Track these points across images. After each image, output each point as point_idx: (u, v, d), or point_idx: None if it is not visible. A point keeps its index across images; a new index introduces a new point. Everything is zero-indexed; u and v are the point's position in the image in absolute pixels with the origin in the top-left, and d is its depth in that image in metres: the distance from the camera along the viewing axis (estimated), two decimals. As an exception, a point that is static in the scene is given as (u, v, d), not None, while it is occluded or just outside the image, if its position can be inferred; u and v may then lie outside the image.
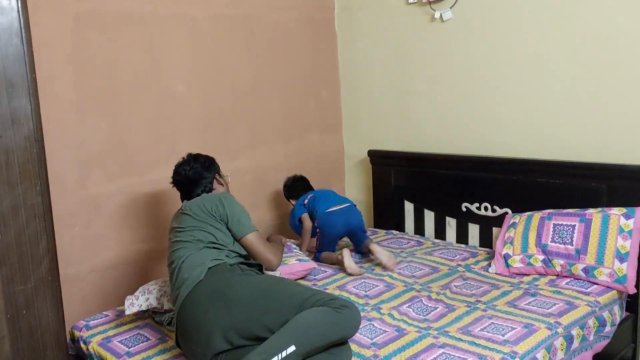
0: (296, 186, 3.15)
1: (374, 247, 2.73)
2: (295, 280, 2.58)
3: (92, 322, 2.33)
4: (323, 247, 2.87)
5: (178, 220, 2.16)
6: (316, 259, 2.85)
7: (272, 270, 2.24)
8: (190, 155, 2.35)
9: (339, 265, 2.71)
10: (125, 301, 2.23)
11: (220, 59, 3.05)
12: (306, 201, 3.01)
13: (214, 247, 2.06)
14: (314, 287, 2.30)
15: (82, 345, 2.21)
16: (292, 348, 1.63)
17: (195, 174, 2.26)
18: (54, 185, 2.20)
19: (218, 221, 2.12)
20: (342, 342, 1.80)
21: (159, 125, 2.84)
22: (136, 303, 2.22)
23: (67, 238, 2.52)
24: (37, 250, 1.93)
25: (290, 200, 3.16)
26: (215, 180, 2.32)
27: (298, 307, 1.76)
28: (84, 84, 2.56)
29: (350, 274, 2.63)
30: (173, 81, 2.88)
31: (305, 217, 2.99)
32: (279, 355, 1.62)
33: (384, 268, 2.68)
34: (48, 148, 2.01)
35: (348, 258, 2.64)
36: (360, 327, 2.07)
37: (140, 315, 2.35)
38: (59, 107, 2.49)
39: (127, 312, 2.21)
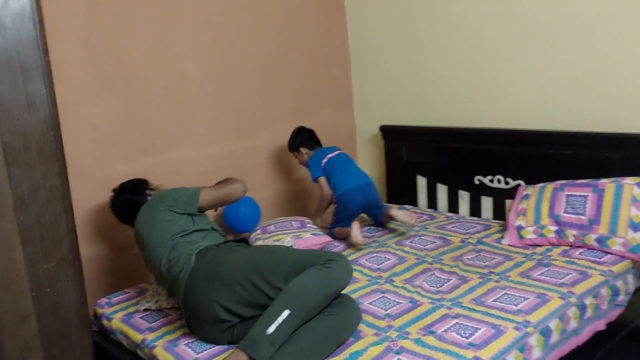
0: (303, 135, 3.07)
1: (393, 212, 2.79)
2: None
3: (113, 299, 2.39)
4: (338, 223, 2.89)
5: (138, 243, 2.20)
6: (330, 234, 2.88)
7: (243, 194, 2.30)
8: (115, 190, 2.39)
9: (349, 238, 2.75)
10: (138, 304, 2.30)
11: (230, 38, 3.06)
12: (324, 161, 2.94)
13: (182, 237, 2.09)
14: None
15: (105, 322, 2.28)
16: (286, 312, 1.69)
17: (128, 204, 2.32)
18: (72, 166, 2.24)
19: (168, 213, 2.13)
20: (350, 305, 1.86)
21: (173, 106, 2.87)
22: (146, 305, 2.27)
23: (86, 218, 2.57)
24: (58, 230, 1.98)
25: (298, 151, 3.04)
26: (148, 197, 2.34)
27: (290, 270, 1.81)
28: (97, 66, 2.59)
29: (353, 244, 2.66)
30: (185, 61, 2.89)
31: (324, 181, 2.92)
32: (276, 322, 1.68)
33: (409, 226, 2.78)
34: (64, 130, 2.05)
35: (356, 229, 2.66)
36: (374, 299, 2.12)
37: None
38: (74, 90, 2.52)
39: (141, 308, 2.27)
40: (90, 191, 2.59)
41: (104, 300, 2.39)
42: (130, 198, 2.33)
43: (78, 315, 2.07)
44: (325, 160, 2.96)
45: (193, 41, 2.91)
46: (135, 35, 2.70)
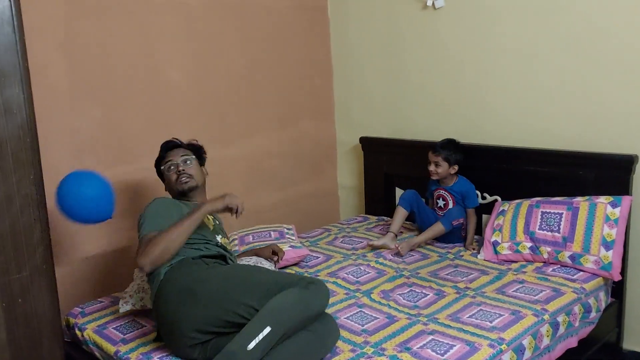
0: (461, 154, 2.87)
1: (374, 243, 2.85)
2: (287, 267, 2.63)
3: (87, 308, 2.35)
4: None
5: None
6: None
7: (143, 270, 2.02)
8: None
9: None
10: (120, 300, 2.25)
11: (213, 46, 3.05)
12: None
13: None
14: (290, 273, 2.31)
15: (78, 332, 2.24)
16: (267, 329, 1.68)
17: None
18: (48, 173, 2.20)
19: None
20: (327, 323, 1.87)
21: (153, 113, 2.84)
22: (130, 302, 2.23)
23: (60, 226, 2.53)
24: (32, 239, 1.95)
25: (453, 164, 2.83)
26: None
27: (267, 292, 1.79)
28: (76, 72, 2.56)
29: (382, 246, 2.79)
30: (167, 68, 2.87)
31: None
32: (257, 338, 1.67)
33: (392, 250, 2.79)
34: (41, 137, 2.01)
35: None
36: (351, 313, 2.13)
37: (135, 301, 2.38)
38: (52, 96, 2.48)
39: (122, 311, 2.23)
40: (66, 198, 2.54)
41: (77, 309, 2.34)
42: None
43: (50, 325, 2.03)
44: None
45: (175, 48, 2.90)
46: (117, 42, 2.67)
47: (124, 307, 2.22)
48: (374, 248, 2.80)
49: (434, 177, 2.89)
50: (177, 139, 2.39)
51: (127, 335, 2.11)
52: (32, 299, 1.96)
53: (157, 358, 1.91)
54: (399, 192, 3.39)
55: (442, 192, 2.92)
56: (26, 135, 1.92)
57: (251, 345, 1.66)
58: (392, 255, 2.71)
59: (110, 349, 2.05)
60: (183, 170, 2.24)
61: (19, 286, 1.93)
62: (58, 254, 2.44)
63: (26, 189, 1.92)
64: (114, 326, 2.19)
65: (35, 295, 1.97)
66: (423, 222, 2.95)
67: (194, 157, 2.31)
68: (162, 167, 2.31)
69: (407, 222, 3.07)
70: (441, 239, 2.87)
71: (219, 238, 2.22)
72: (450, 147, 2.85)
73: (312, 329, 1.81)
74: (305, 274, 2.53)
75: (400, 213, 2.91)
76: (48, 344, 2.02)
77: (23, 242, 1.93)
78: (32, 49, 2.07)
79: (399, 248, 2.70)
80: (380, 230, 3.12)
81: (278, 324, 1.71)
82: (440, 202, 2.93)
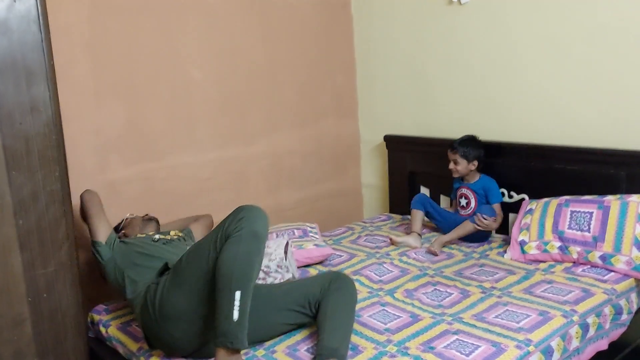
0: (482, 151, 2.85)
1: (395, 239, 2.86)
2: (310, 265, 2.62)
3: (111, 306, 2.37)
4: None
5: None
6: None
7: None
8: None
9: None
10: None
11: (235, 44, 3.05)
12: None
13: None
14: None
15: (102, 329, 2.25)
16: (237, 294, 1.67)
17: None
18: (73, 171, 2.24)
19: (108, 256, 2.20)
20: (343, 277, 2.00)
21: (176, 111, 2.86)
22: None
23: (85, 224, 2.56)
24: (57, 235, 1.97)
25: (472, 160, 2.82)
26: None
27: (211, 259, 1.77)
28: (101, 71, 2.59)
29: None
30: (189, 67, 2.89)
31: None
32: (235, 307, 1.66)
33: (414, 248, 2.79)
34: (67, 134, 2.04)
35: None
36: (374, 312, 2.10)
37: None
38: (77, 94, 2.52)
39: None
40: (91, 195, 2.57)
41: (101, 307, 2.37)
42: None
43: (74, 321, 2.05)
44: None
45: (198, 47, 2.91)
46: (140, 40, 2.70)
47: None
48: (395, 244, 2.79)
49: (455, 175, 2.89)
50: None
51: (150, 331, 2.11)
52: (57, 294, 1.98)
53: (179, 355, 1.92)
54: (423, 190, 3.35)
55: (464, 190, 2.90)
56: (52, 133, 1.94)
57: (235, 316, 1.66)
58: (425, 254, 2.69)
59: (133, 346, 2.06)
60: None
61: (44, 281, 1.95)
62: (83, 251, 2.46)
63: (52, 185, 1.94)
64: (137, 324, 2.20)
65: (60, 290, 1.99)
66: (443, 217, 2.95)
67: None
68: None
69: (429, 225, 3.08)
70: (467, 238, 2.83)
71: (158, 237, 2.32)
72: (467, 144, 2.83)
73: (335, 288, 1.94)
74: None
75: (418, 214, 2.92)
76: (72, 340, 2.04)
77: (48, 238, 1.95)
78: (57, 48, 2.10)
79: (433, 247, 2.68)
80: (404, 229, 3.09)
81: (242, 280, 1.69)
82: (463, 201, 2.90)
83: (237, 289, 1.68)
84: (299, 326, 1.99)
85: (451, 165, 2.85)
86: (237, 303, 1.67)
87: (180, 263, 1.89)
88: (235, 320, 1.66)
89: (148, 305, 1.90)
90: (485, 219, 2.71)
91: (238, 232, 1.75)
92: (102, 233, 2.23)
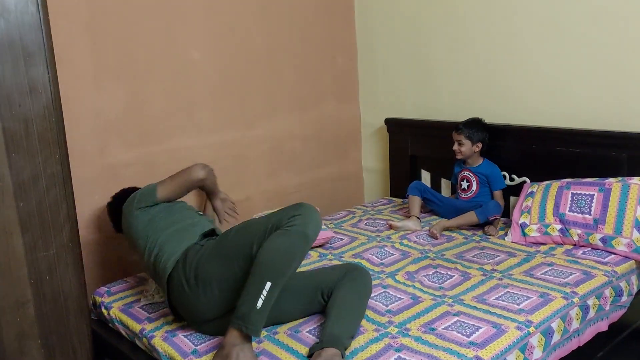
0: (487, 133, 2.84)
1: (395, 224, 2.86)
2: (312, 249, 2.62)
3: (113, 288, 2.38)
4: None
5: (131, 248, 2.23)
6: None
7: (204, 173, 2.27)
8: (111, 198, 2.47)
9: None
10: (142, 298, 2.26)
11: (235, 25, 3.02)
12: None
13: (166, 232, 2.09)
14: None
15: (104, 311, 2.26)
16: (268, 284, 1.69)
17: (114, 212, 2.38)
18: (73, 153, 2.22)
19: (141, 213, 2.15)
20: (360, 269, 1.99)
21: (176, 94, 2.84)
22: (150, 300, 2.24)
23: (86, 205, 2.56)
24: (58, 217, 1.97)
25: (477, 142, 2.81)
26: None
27: (256, 244, 1.78)
28: (100, 52, 2.56)
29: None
30: (189, 49, 2.86)
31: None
32: (261, 296, 1.68)
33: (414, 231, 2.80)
34: (66, 117, 2.02)
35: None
36: (376, 294, 2.10)
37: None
38: (77, 76, 2.49)
39: (143, 303, 2.24)
40: (91, 179, 2.57)
41: (103, 289, 2.37)
42: (116, 206, 2.36)
43: (77, 303, 2.06)
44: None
45: (198, 28, 2.88)
46: (140, 22, 2.67)
47: (144, 302, 2.24)
48: (394, 229, 2.79)
49: (458, 157, 2.87)
50: None
51: (152, 314, 2.12)
52: (59, 276, 1.99)
53: (182, 336, 1.93)
54: (424, 174, 3.34)
55: (466, 172, 2.89)
56: (51, 115, 1.93)
57: (259, 304, 1.68)
58: (426, 237, 2.69)
59: (136, 327, 2.07)
60: None
61: (46, 264, 1.95)
62: (84, 233, 2.47)
63: (52, 168, 1.94)
64: (140, 305, 2.21)
65: (62, 273, 2.00)
66: (442, 202, 2.96)
67: None
68: None
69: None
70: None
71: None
72: (472, 126, 2.83)
73: (350, 278, 1.93)
74: (329, 255, 2.52)
75: (415, 199, 2.93)
76: (75, 321, 2.05)
77: (49, 220, 1.95)
78: (56, 29, 2.08)
79: (433, 230, 2.68)
80: (405, 212, 3.09)
81: (276, 274, 1.71)
82: (464, 184, 2.89)
83: (269, 279, 1.70)
84: (312, 314, 1.99)
85: (455, 146, 2.84)
86: (264, 293, 1.69)
87: (227, 235, 1.92)
88: (258, 308, 1.68)
89: (187, 261, 1.90)
90: (492, 235, 2.69)
91: (289, 227, 1.77)
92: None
